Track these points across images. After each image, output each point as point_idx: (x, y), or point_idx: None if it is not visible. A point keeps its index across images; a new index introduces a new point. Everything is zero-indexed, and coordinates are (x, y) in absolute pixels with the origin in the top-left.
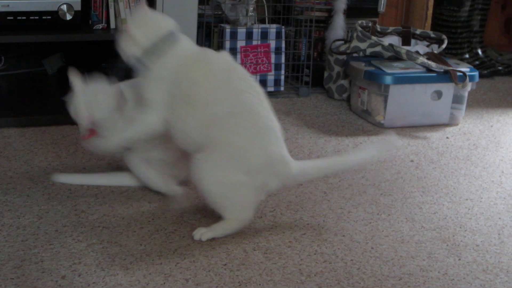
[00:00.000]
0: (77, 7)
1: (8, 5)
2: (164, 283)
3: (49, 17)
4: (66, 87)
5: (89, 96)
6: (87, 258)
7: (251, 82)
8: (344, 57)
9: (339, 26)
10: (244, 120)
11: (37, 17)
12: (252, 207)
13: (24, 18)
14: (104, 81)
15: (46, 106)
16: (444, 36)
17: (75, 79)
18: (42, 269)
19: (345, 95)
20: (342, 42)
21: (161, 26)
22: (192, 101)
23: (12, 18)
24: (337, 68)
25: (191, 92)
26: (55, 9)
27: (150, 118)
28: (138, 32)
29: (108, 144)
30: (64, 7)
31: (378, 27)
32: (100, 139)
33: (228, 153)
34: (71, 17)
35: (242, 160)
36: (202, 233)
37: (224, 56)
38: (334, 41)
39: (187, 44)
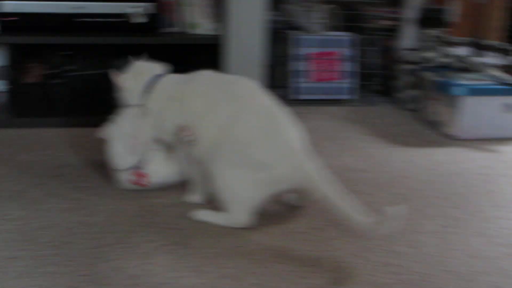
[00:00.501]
0: (148, 10)
1: (83, 7)
2: (235, 287)
3: (121, 20)
4: None
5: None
6: (158, 259)
7: (243, 83)
8: (414, 66)
9: (409, 35)
10: (249, 119)
11: (110, 19)
12: (250, 211)
13: (98, 20)
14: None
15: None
16: None
17: (107, 128)
18: (113, 268)
19: (414, 105)
20: (413, 51)
21: (147, 72)
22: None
23: (85, 19)
24: (406, 78)
25: (193, 106)
26: (127, 12)
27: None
28: (128, 84)
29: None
30: (136, 10)
31: (450, 38)
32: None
33: (237, 152)
34: (142, 20)
35: (251, 157)
36: (199, 213)
37: (209, 72)
38: (404, 50)
39: (173, 77)
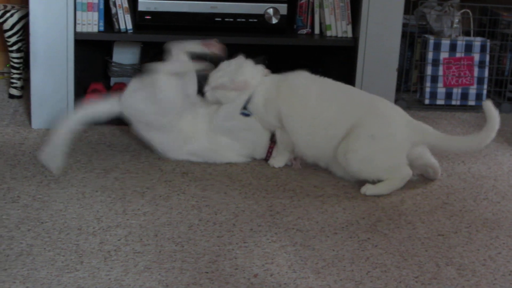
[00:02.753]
0: (283, 11)
1: (216, 7)
2: None
3: (255, 20)
4: None
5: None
6: (279, 259)
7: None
8: None
9: None
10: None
11: (244, 20)
12: (402, 164)
13: (231, 20)
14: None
15: None
16: None
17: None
18: (235, 266)
19: None
20: None
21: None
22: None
23: (219, 19)
24: None
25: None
26: (262, 12)
27: None
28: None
29: None
30: (271, 10)
31: None
32: None
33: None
34: (276, 21)
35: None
36: (368, 188)
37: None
38: None
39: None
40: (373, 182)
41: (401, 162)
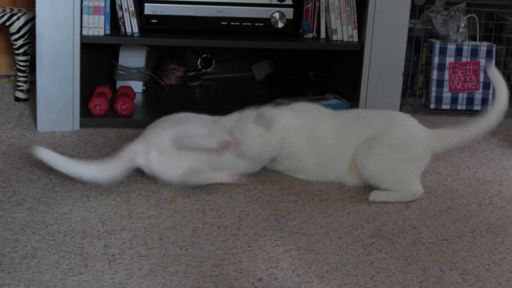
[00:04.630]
0: (289, 15)
1: (223, 10)
2: None
3: (261, 24)
4: (272, 93)
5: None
6: (284, 263)
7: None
8: None
9: None
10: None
11: (250, 24)
12: (416, 180)
13: (237, 24)
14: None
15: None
16: None
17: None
18: (239, 270)
19: None
20: None
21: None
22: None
23: (225, 23)
24: None
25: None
26: (268, 16)
27: None
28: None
29: None
30: (277, 15)
31: None
32: None
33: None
34: (282, 25)
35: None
36: (377, 195)
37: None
38: None
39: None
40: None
41: (416, 177)
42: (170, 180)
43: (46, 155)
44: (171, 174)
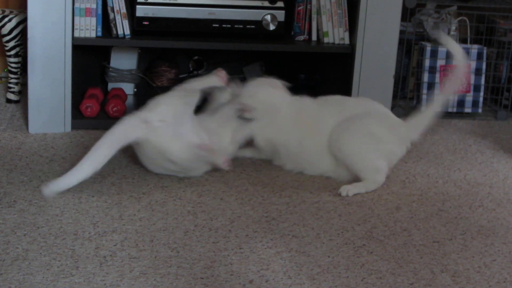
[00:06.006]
0: (281, 17)
1: (214, 13)
2: None
3: (253, 26)
4: None
5: None
6: (275, 265)
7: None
8: None
9: None
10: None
11: (241, 26)
12: (383, 171)
13: (229, 26)
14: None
15: None
16: None
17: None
18: (231, 272)
19: None
20: None
21: None
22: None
23: (217, 25)
24: None
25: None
26: (259, 19)
27: None
28: None
29: None
30: (268, 17)
31: None
32: None
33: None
34: (274, 27)
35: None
36: (348, 189)
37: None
38: None
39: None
40: (349, 182)
41: (385, 167)
42: (173, 152)
43: (55, 186)
44: (176, 144)
